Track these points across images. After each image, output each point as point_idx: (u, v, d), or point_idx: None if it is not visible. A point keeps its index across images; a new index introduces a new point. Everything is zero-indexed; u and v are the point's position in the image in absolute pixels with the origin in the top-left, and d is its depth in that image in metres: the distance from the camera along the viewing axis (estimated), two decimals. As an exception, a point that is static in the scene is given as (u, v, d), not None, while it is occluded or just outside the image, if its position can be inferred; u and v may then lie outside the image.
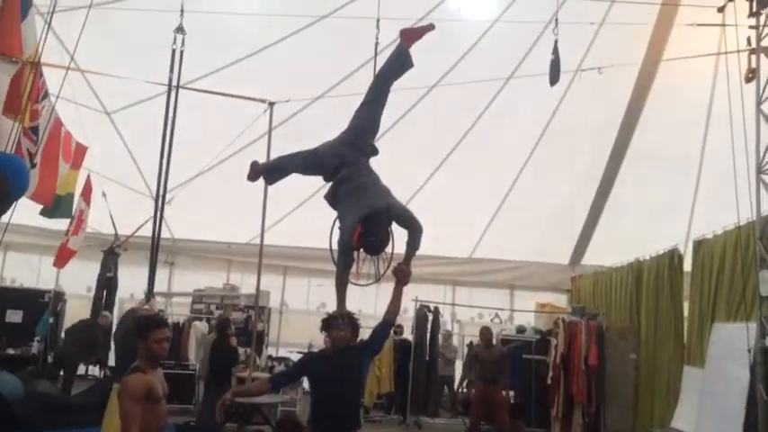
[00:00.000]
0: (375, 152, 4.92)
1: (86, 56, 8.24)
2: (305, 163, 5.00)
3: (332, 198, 4.81)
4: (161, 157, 8.24)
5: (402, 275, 4.52)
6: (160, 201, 8.46)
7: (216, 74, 10.37)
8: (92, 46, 7.73)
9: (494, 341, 9.84)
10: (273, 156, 9.42)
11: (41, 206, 9.00)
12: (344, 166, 4.69)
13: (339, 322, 4.43)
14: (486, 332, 9.48)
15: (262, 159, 5.48)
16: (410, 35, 4.87)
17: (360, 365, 4.50)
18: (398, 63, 4.85)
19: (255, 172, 5.26)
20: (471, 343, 12.39)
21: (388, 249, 4.66)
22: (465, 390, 11.52)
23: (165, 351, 3.82)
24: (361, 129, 4.82)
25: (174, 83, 8.09)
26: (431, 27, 4.95)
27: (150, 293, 8.88)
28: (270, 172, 5.34)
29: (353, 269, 4.66)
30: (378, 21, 6.43)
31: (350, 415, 4.43)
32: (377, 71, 4.99)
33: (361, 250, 4.52)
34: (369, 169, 4.78)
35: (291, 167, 5.18)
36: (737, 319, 7.67)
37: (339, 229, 4.63)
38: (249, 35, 10.10)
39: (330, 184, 4.90)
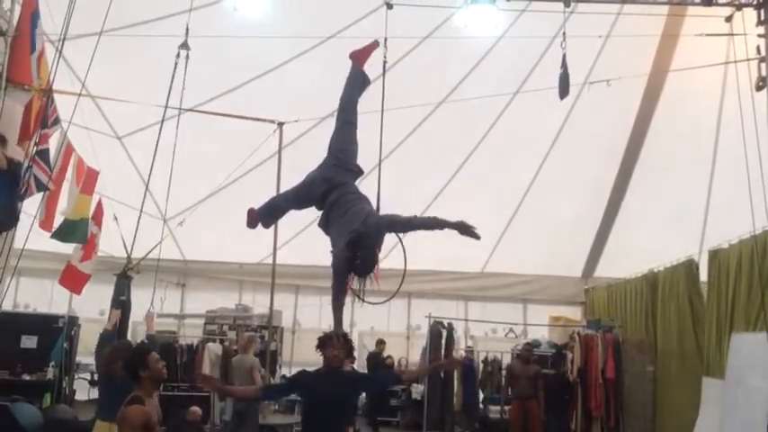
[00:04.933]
0: (360, 172, 5.04)
1: (97, 82, 8.32)
2: (296, 197, 5.08)
3: (324, 224, 4.85)
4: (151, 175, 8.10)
5: (450, 365, 4.77)
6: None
7: (225, 95, 10.43)
8: (102, 72, 7.80)
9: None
10: (283, 176, 9.50)
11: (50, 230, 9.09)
12: (333, 189, 4.76)
13: (334, 342, 4.50)
14: (526, 349, 10.10)
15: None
16: (359, 56, 5.24)
17: (350, 394, 4.62)
18: (357, 83, 5.22)
19: (253, 219, 5.26)
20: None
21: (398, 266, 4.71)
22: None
23: (164, 370, 4.19)
24: (342, 151, 4.98)
25: (182, 104, 8.09)
26: (375, 44, 5.34)
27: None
28: (266, 215, 5.34)
29: (358, 287, 4.69)
30: (385, 40, 6.45)
31: None
32: (340, 96, 5.21)
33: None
34: (355, 192, 4.83)
35: (285, 205, 5.26)
36: (757, 329, 7.58)
37: (331, 253, 4.69)
38: (257, 56, 10.16)
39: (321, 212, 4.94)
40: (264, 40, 9.38)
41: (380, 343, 12.49)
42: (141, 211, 7.75)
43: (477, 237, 4.35)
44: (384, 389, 8.64)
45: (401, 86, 8.08)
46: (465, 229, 4.36)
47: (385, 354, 12.60)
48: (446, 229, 4.42)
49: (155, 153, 7.16)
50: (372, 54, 5.30)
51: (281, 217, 5.36)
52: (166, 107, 7.35)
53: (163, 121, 7.31)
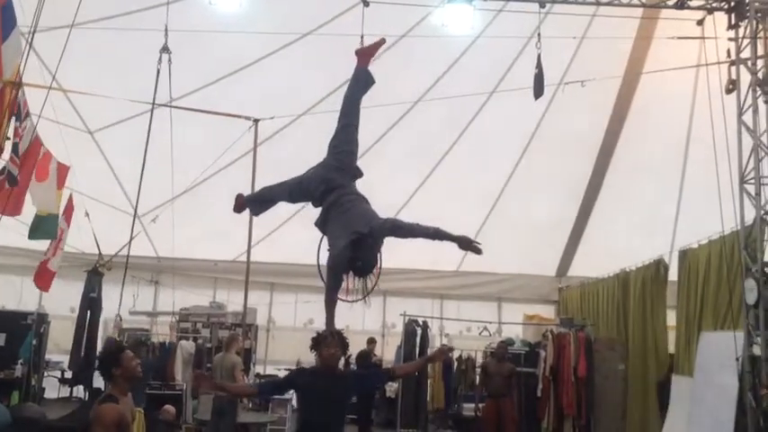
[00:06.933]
0: (360, 174, 5.01)
1: (69, 75, 8.18)
2: (291, 192, 5.05)
3: (322, 224, 4.83)
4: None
5: (440, 356, 4.73)
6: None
7: (200, 91, 10.32)
8: (74, 65, 7.67)
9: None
10: (258, 173, 9.45)
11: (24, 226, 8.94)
12: (331, 190, 4.73)
13: (329, 340, 4.47)
14: (501, 347, 10.05)
15: (246, 190, 5.47)
16: (364, 53, 5.12)
17: (346, 393, 4.62)
18: (361, 82, 5.08)
19: (240, 204, 5.30)
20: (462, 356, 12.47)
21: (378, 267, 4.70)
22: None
23: (139, 368, 4.13)
24: (342, 152, 4.91)
25: (156, 101, 7.99)
26: (382, 42, 5.20)
27: None
28: (255, 203, 5.35)
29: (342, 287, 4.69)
30: (362, 37, 6.44)
31: None
32: (343, 95, 5.11)
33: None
34: (355, 193, 4.81)
35: (277, 197, 5.22)
36: (725, 328, 7.73)
37: (329, 251, 4.66)
38: (233, 52, 10.07)
39: (320, 209, 4.91)
40: (240, 36, 9.31)
41: (371, 342, 12.34)
42: (135, 215, 7.62)
43: (479, 252, 4.21)
44: (376, 387, 8.58)
45: (378, 84, 8.06)
46: (468, 244, 4.23)
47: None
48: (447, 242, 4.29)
49: (145, 151, 7.02)
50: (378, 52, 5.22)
51: (270, 207, 5.34)
52: (153, 103, 7.24)
53: (151, 120, 7.19)
